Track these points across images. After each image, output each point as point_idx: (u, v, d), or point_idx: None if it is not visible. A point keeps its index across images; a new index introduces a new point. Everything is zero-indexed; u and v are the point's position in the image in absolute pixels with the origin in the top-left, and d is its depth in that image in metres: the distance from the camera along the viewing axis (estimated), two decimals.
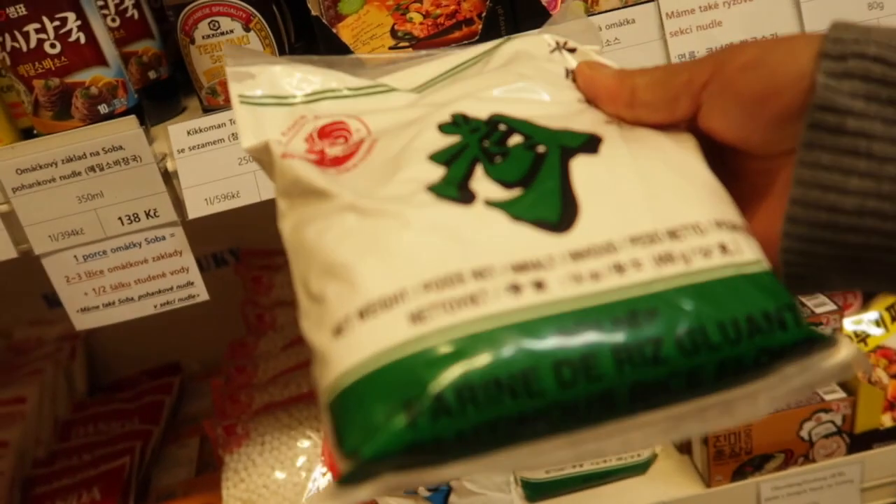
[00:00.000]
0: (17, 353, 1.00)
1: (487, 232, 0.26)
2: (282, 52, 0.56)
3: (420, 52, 0.36)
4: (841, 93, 0.26)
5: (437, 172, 0.28)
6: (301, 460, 0.75)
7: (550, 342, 0.24)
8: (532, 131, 0.30)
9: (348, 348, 0.24)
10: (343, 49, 0.53)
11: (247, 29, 0.54)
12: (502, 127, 0.30)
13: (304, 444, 0.76)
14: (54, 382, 0.97)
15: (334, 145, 0.31)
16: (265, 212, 0.57)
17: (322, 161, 0.30)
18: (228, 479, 0.75)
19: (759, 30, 0.53)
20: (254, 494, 0.74)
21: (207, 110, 0.58)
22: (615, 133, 0.31)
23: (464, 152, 0.29)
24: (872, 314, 0.81)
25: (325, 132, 0.31)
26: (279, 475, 0.74)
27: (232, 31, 0.54)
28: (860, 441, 0.74)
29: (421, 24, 0.55)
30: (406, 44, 0.55)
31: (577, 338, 0.24)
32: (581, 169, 0.28)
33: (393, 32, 0.55)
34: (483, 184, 0.28)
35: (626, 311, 0.24)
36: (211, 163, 0.52)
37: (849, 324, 0.80)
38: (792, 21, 0.53)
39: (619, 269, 0.25)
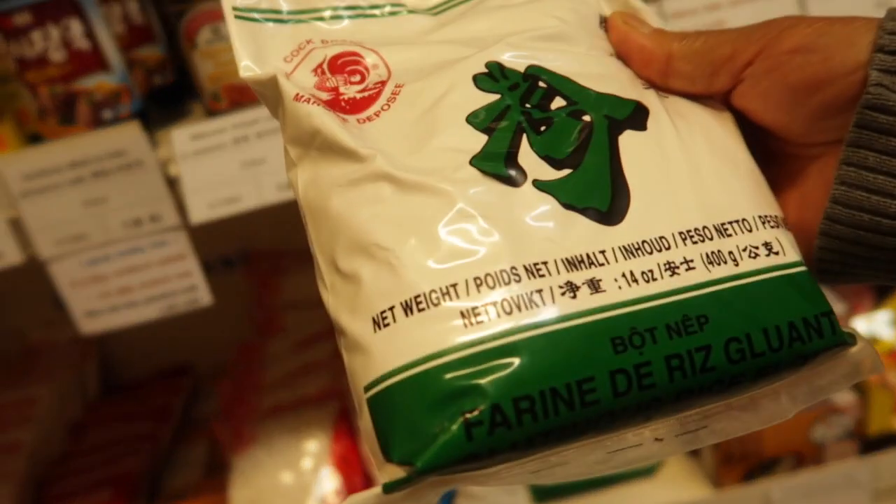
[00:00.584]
0: (30, 354, 1.02)
1: (539, 220, 0.25)
2: None
3: None
4: (894, 92, 0.24)
5: (478, 141, 0.26)
6: (308, 462, 0.75)
7: (607, 349, 0.23)
8: (575, 93, 0.28)
9: (394, 345, 0.23)
10: None
11: None
12: (542, 84, 0.28)
13: (312, 446, 0.76)
14: (67, 384, 0.98)
15: (349, 83, 0.28)
16: (274, 213, 0.57)
17: (337, 103, 0.27)
18: (236, 481, 0.75)
19: None
20: (261, 496, 0.74)
21: (211, 115, 0.59)
22: (657, 103, 0.29)
23: (506, 116, 0.27)
24: (885, 314, 0.80)
25: (338, 65, 0.28)
26: (286, 477, 0.75)
27: None
28: (872, 444, 0.73)
29: None
30: None
31: (633, 346, 0.23)
32: (630, 148, 0.27)
33: None
34: (530, 159, 0.26)
35: (680, 317, 0.24)
36: (214, 167, 0.52)
37: (860, 324, 0.80)
38: None
39: (671, 268, 0.25)
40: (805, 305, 0.26)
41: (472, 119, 0.26)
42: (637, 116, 0.28)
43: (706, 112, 0.29)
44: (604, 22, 0.31)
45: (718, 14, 0.53)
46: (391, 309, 0.23)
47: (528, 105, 0.27)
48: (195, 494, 0.82)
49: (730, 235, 0.26)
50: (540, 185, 0.25)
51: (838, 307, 0.72)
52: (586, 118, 0.27)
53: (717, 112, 0.29)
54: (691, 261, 0.25)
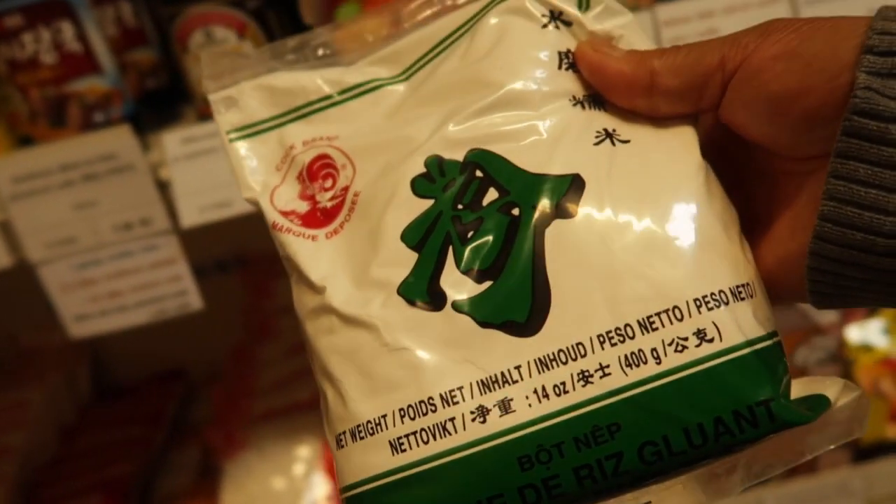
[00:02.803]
0: (22, 358, 1.01)
1: (458, 343, 0.27)
2: None
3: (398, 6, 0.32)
4: (886, 96, 0.22)
5: (409, 261, 0.28)
6: (300, 467, 0.75)
7: (514, 468, 0.25)
8: (509, 179, 0.28)
9: (348, 464, 0.27)
10: None
11: (241, 37, 0.54)
12: (479, 174, 0.28)
13: (304, 451, 0.76)
14: (59, 388, 0.98)
15: (323, 189, 0.30)
16: None
17: (314, 215, 0.30)
18: (228, 486, 0.75)
19: None
20: (253, 501, 0.74)
21: (202, 119, 0.58)
22: (604, 163, 0.28)
23: (436, 228, 0.28)
24: (878, 322, 0.80)
25: (314, 170, 0.31)
26: (278, 482, 0.75)
27: (226, 40, 0.54)
28: (865, 452, 0.73)
29: None
30: None
31: (540, 462, 0.25)
32: (556, 242, 0.27)
33: None
34: (453, 277, 0.27)
35: (589, 428, 0.25)
36: (205, 171, 0.52)
37: (853, 333, 0.79)
38: None
39: (585, 377, 0.25)
40: (738, 396, 0.25)
41: (405, 235, 0.28)
42: (569, 198, 0.27)
43: (667, 161, 0.28)
44: (565, 58, 0.29)
45: (712, 21, 0.53)
46: (343, 434, 0.27)
47: (460, 206, 0.28)
48: (187, 499, 0.82)
49: (655, 329, 0.25)
50: (458, 305, 0.27)
51: (830, 316, 0.72)
52: (515, 212, 0.28)
53: (683, 158, 0.28)
54: (607, 367, 0.25)
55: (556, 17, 0.30)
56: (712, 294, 0.26)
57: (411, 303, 0.27)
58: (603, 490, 0.25)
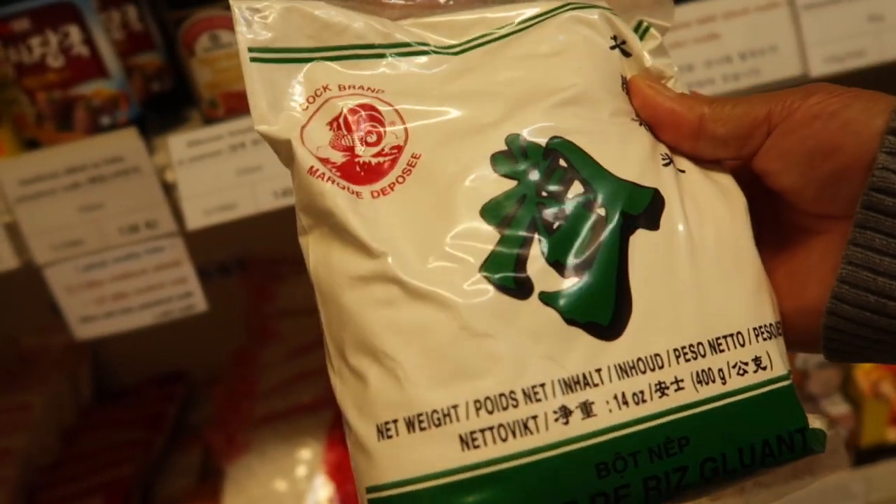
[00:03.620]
0: (24, 360, 1.01)
1: (542, 337, 0.25)
2: None
3: None
4: None
5: (491, 238, 0.26)
6: (302, 470, 0.75)
7: (591, 475, 0.24)
8: (594, 177, 0.28)
9: (396, 458, 0.24)
10: None
11: None
12: (562, 163, 0.28)
13: (305, 454, 0.76)
14: (60, 390, 0.98)
15: (365, 144, 0.27)
16: (271, 220, 0.57)
17: (352, 167, 0.27)
18: (229, 488, 0.75)
19: (758, 42, 0.53)
20: (254, 503, 0.74)
21: (208, 122, 0.59)
22: (673, 187, 0.28)
23: (521, 209, 0.27)
24: None
25: (354, 120, 0.27)
26: (280, 485, 0.75)
27: (232, 44, 0.54)
28: (865, 455, 0.74)
29: None
30: None
31: (616, 470, 0.25)
32: (639, 251, 0.27)
33: None
34: (539, 266, 0.26)
35: (663, 439, 0.25)
36: (210, 174, 0.53)
37: None
38: (790, 34, 0.53)
39: (661, 389, 0.26)
40: (782, 422, 0.27)
41: (487, 211, 0.26)
42: (652, 211, 0.28)
43: (719, 194, 0.29)
44: (625, 84, 0.31)
45: (712, 27, 0.53)
46: (395, 422, 0.24)
47: (544, 194, 0.27)
48: (188, 501, 0.82)
49: (722, 351, 0.27)
50: (546, 297, 0.26)
51: None
52: (601, 212, 0.27)
53: (730, 195, 0.29)
54: (681, 381, 0.26)
55: (620, 44, 0.31)
56: (765, 326, 0.28)
57: (496, 285, 0.25)
58: (657, 502, 0.26)
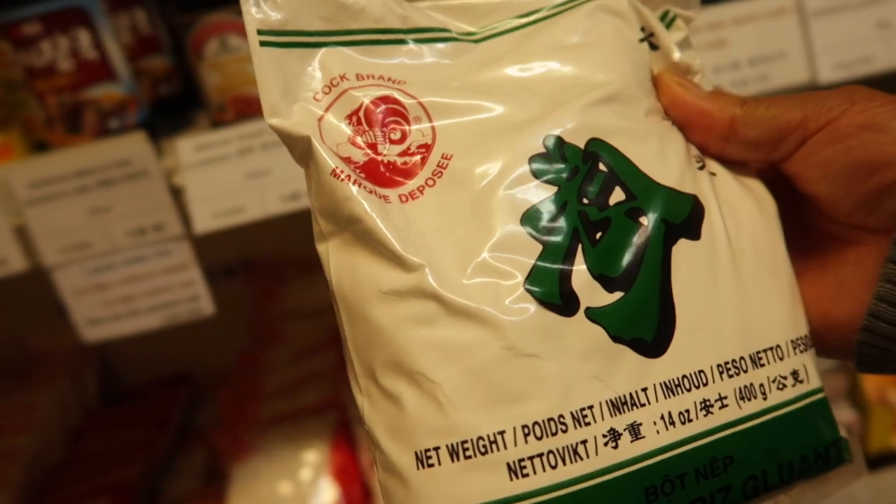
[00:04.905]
0: (30, 361, 1.02)
1: (589, 356, 0.24)
2: None
3: None
4: None
5: (533, 250, 0.24)
6: (307, 472, 0.75)
7: (642, 500, 0.24)
8: (635, 182, 0.26)
9: (437, 489, 0.23)
10: None
11: None
12: (603, 167, 0.26)
13: (311, 456, 0.76)
14: (67, 391, 0.98)
15: (389, 141, 0.25)
16: (277, 223, 0.57)
17: (375, 167, 0.25)
18: (234, 490, 0.75)
19: (767, 48, 0.53)
20: None
21: (216, 126, 0.59)
22: (710, 193, 0.27)
23: (563, 217, 0.25)
24: None
25: (376, 114, 0.25)
26: (285, 487, 0.75)
27: (241, 49, 0.55)
28: (872, 462, 0.73)
29: None
30: None
31: (664, 493, 0.24)
32: (682, 262, 0.26)
33: None
34: (584, 279, 0.25)
35: (709, 459, 0.25)
36: (218, 178, 0.53)
37: None
38: (799, 41, 0.53)
39: (706, 407, 0.25)
40: (820, 436, 0.27)
41: (528, 220, 0.25)
42: (693, 219, 0.27)
43: (752, 200, 0.28)
44: (653, 78, 0.29)
45: (720, 33, 0.53)
46: (436, 449, 0.23)
47: (585, 200, 0.25)
48: (193, 503, 0.82)
49: (763, 365, 0.26)
50: (592, 314, 0.24)
51: None
52: (643, 221, 0.26)
53: (762, 200, 0.29)
54: (725, 397, 0.26)
55: (648, 36, 0.29)
56: (800, 338, 0.27)
57: (542, 302, 0.24)
58: None
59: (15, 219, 0.53)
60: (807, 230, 0.30)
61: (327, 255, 0.25)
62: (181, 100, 0.65)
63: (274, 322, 0.95)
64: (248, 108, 0.56)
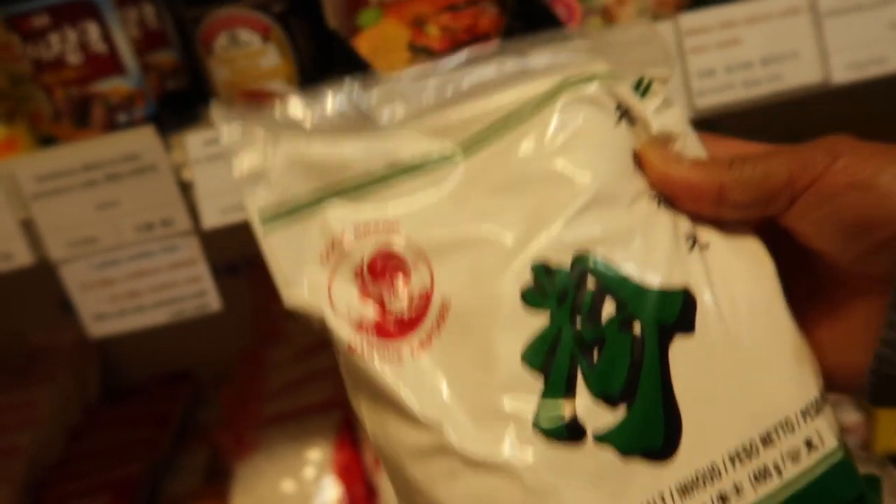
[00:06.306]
0: (32, 358, 1.01)
1: (603, 478, 0.25)
2: (300, 64, 0.57)
3: (453, 59, 0.28)
4: None
5: (535, 386, 0.25)
6: (310, 471, 0.75)
7: None
8: (624, 292, 0.27)
9: None
10: (360, 62, 0.54)
11: (265, 40, 0.55)
12: (591, 285, 0.26)
13: (314, 454, 0.76)
14: (68, 387, 0.98)
15: (393, 294, 0.26)
16: None
17: (385, 326, 0.26)
18: (237, 488, 0.75)
19: (779, 48, 0.53)
20: None
21: None
22: (701, 274, 0.28)
23: (559, 347, 0.26)
24: None
25: (378, 268, 0.26)
26: (288, 485, 0.74)
27: (250, 43, 0.54)
28: None
29: (438, 38, 0.55)
30: (424, 57, 0.56)
31: None
32: (679, 361, 0.26)
33: (411, 46, 0.55)
34: (587, 402, 0.25)
35: None
36: (227, 173, 0.52)
37: None
38: (812, 40, 0.53)
39: (723, 499, 0.26)
40: (841, 497, 0.27)
41: (527, 358, 0.26)
42: (685, 314, 0.27)
43: (748, 265, 0.28)
44: (635, 156, 0.29)
45: (733, 31, 0.53)
46: None
47: (578, 324, 0.26)
48: (195, 501, 0.82)
49: (773, 443, 0.26)
50: (600, 437, 0.25)
51: None
52: (637, 330, 0.26)
53: (759, 261, 0.29)
54: (741, 485, 0.26)
55: (624, 113, 0.29)
56: (810, 403, 0.27)
57: (550, 437, 0.25)
58: None
59: (22, 213, 0.53)
60: (816, 275, 0.29)
61: (360, 409, 0.27)
62: (188, 94, 0.65)
63: (277, 320, 0.95)
64: (258, 103, 0.55)
